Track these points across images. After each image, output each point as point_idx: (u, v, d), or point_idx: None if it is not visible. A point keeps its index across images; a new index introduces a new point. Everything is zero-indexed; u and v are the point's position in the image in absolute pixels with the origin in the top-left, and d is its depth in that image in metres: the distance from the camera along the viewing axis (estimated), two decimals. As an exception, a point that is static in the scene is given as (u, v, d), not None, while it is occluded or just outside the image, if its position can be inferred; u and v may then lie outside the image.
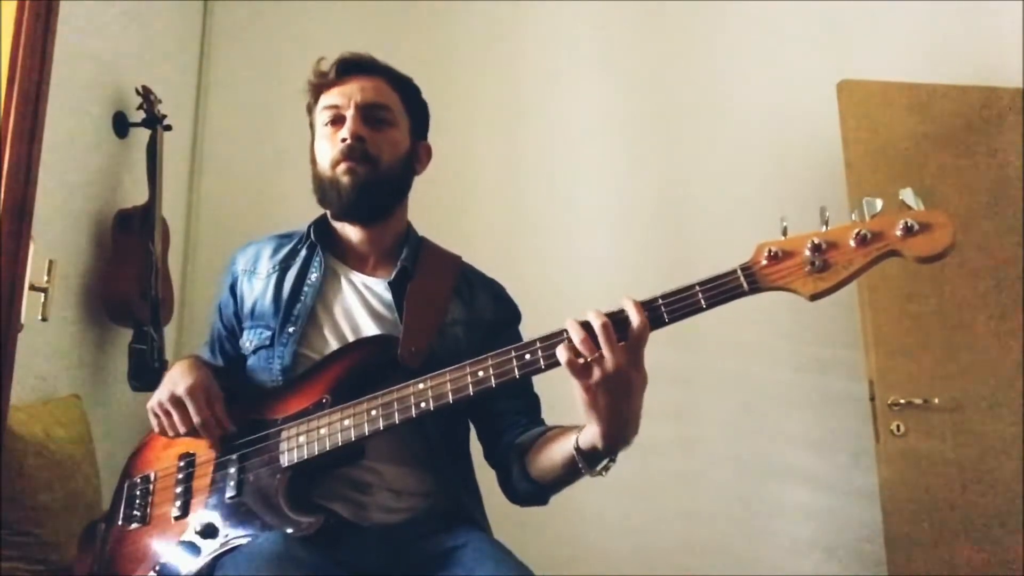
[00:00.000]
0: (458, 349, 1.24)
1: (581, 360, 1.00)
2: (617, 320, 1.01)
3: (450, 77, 2.67)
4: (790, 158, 2.66)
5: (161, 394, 1.24)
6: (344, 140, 1.30)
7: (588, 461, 1.08)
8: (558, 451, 1.13)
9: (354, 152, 1.30)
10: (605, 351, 0.99)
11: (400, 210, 1.41)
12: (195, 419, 1.20)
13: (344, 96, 1.34)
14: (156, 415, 1.24)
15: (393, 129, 1.36)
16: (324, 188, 1.33)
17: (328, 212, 1.40)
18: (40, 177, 1.42)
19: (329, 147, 1.32)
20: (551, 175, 2.72)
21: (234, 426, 1.24)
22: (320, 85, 1.37)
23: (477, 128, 2.69)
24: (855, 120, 2.46)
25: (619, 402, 1.01)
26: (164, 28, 2.55)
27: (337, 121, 1.33)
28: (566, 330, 1.04)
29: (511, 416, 1.30)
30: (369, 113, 1.33)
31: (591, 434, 1.05)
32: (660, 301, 1.02)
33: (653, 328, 1.01)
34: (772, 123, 2.70)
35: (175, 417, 1.21)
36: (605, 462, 1.08)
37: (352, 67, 1.36)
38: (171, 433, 1.23)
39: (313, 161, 1.38)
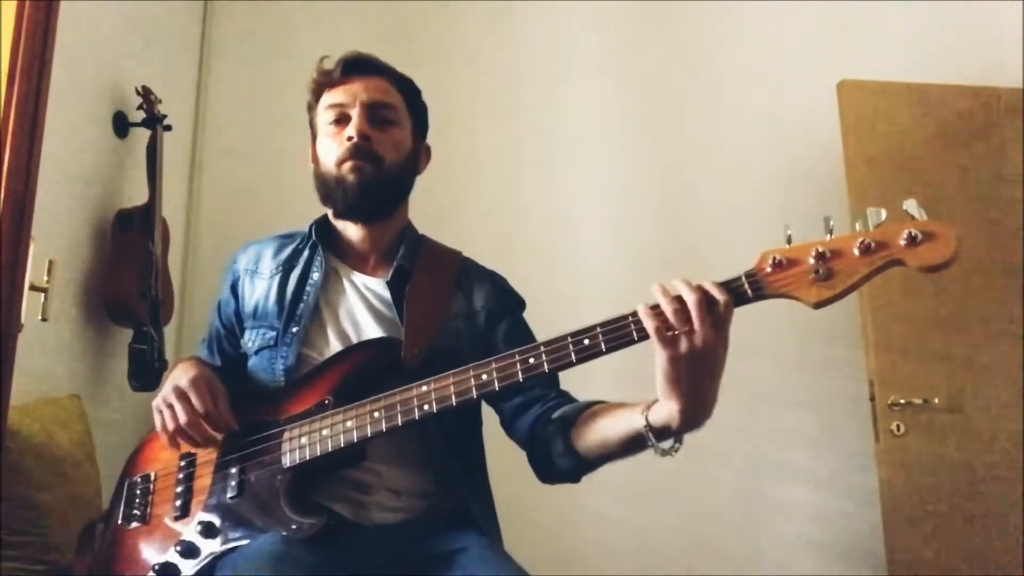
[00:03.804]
0: (459, 342, 1.24)
1: (670, 332, 0.97)
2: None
3: (450, 77, 2.66)
4: (790, 158, 2.66)
5: (164, 390, 1.23)
6: (350, 139, 1.30)
7: (659, 439, 1.06)
8: (616, 427, 1.11)
9: (360, 151, 1.30)
10: (697, 323, 0.96)
11: (401, 209, 1.42)
12: (199, 409, 1.18)
13: (349, 95, 1.34)
14: (159, 411, 1.22)
15: (397, 128, 1.36)
16: (328, 186, 1.33)
17: (330, 211, 1.40)
18: (40, 177, 1.42)
19: (334, 145, 1.32)
20: (551, 175, 2.72)
21: (237, 425, 1.23)
22: (323, 84, 1.37)
23: (477, 127, 2.69)
24: (855, 120, 2.46)
25: (702, 378, 0.99)
26: (164, 28, 2.55)
27: (342, 120, 1.33)
28: (630, 318, 1.01)
29: (538, 389, 1.27)
30: (374, 112, 1.33)
31: (666, 411, 1.02)
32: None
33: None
34: (772, 123, 2.69)
35: (177, 408, 1.19)
36: (673, 442, 1.06)
37: (356, 66, 1.36)
38: (171, 425, 1.20)
39: (315, 160, 1.38)
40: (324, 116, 1.36)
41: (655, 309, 0.99)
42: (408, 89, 1.41)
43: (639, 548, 2.45)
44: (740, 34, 2.78)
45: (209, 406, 1.20)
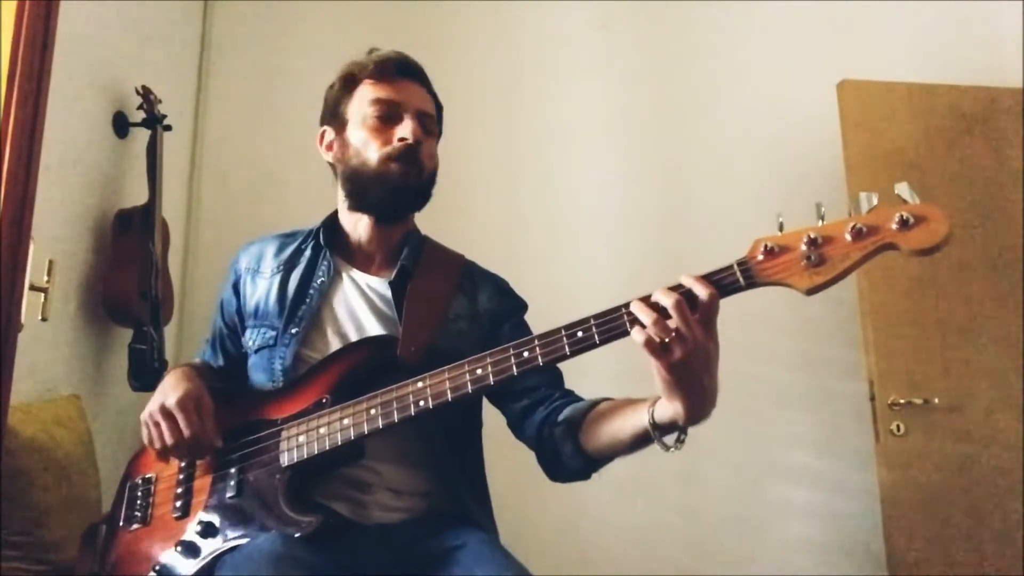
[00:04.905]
0: (462, 344, 1.24)
1: (658, 340, 0.97)
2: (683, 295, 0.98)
3: (450, 77, 2.64)
4: (790, 158, 2.66)
5: (152, 406, 1.24)
6: (403, 140, 1.30)
7: (666, 433, 1.07)
8: (625, 426, 1.11)
9: (412, 155, 1.31)
10: (683, 328, 0.96)
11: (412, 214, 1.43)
12: (185, 432, 1.20)
13: (403, 95, 1.34)
14: (147, 426, 1.24)
15: (435, 141, 1.40)
16: (363, 179, 1.33)
17: (345, 204, 1.39)
18: (40, 177, 1.42)
19: (379, 141, 1.32)
20: (551, 175, 2.72)
21: (222, 440, 1.23)
22: (369, 75, 1.35)
23: (477, 128, 2.69)
24: (855, 120, 2.46)
25: (700, 376, 0.99)
26: (164, 28, 2.55)
27: (389, 117, 1.33)
28: (623, 309, 1.01)
29: (543, 390, 1.28)
30: (423, 121, 1.35)
31: (671, 410, 1.03)
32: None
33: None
34: (772, 123, 2.70)
35: (164, 429, 1.20)
36: (678, 435, 1.07)
37: (408, 70, 1.37)
38: (158, 445, 1.22)
39: (344, 147, 1.36)
40: (367, 108, 1.34)
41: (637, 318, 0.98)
42: (439, 104, 1.43)
43: (639, 548, 2.45)
44: (740, 34, 2.78)
45: (196, 427, 1.21)
